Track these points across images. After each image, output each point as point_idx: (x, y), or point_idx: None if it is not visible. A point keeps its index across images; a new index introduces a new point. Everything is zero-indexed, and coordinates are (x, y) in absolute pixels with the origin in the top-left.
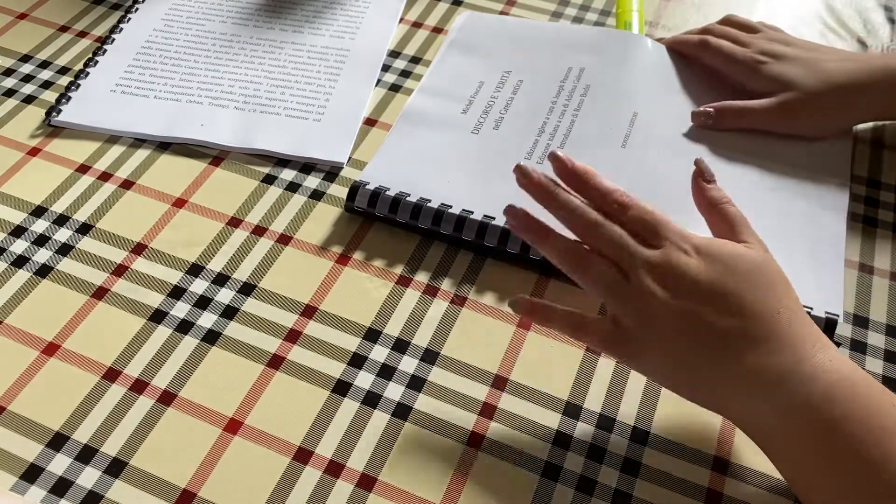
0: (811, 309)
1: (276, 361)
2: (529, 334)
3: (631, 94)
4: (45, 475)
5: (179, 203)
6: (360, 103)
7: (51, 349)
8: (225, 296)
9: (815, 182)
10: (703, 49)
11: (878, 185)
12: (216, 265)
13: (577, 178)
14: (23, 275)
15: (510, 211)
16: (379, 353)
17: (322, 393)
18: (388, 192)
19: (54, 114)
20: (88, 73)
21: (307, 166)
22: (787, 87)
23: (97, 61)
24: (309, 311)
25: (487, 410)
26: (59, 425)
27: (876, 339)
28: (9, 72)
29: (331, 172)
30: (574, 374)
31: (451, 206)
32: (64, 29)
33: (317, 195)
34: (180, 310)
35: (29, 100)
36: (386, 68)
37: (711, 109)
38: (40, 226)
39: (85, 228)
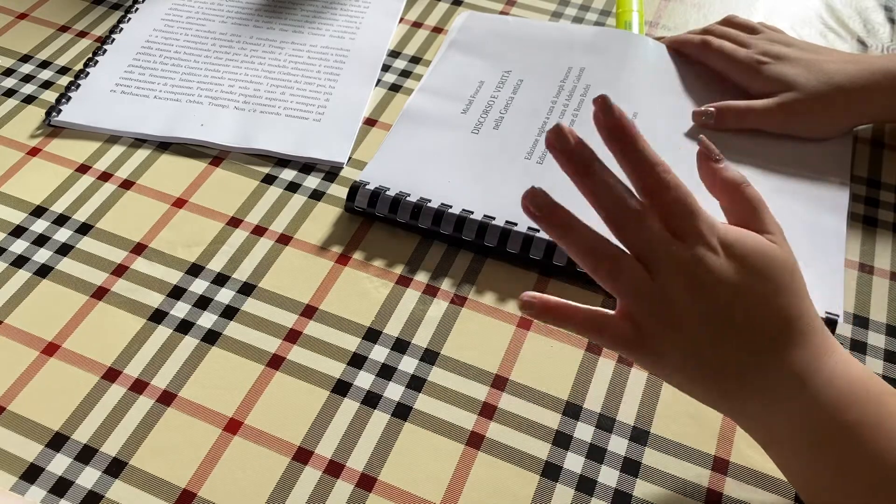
0: None
1: (276, 361)
2: (529, 334)
3: (631, 94)
4: (45, 475)
5: (179, 203)
6: (360, 103)
7: (51, 349)
8: (225, 296)
9: (815, 182)
10: (703, 49)
11: (878, 185)
12: (216, 265)
13: (622, 134)
14: (23, 275)
15: (532, 194)
16: (379, 353)
17: (322, 393)
18: (388, 192)
19: (54, 114)
20: (88, 73)
21: (307, 166)
22: (787, 87)
23: (97, 61)
24: (309, 311)
25: (487, 410)
26: (59, 425)
27: (876, 339)
28: (9, 72)
29: (331, 172)
30: (574, 374)
31: (451, 206)
32: (64, 29)
33: (317, 195)
34: (180, 310)
35: (29, 100)
36: (386, 68)
37: (712, 109)
38: (40, 226)
39: (85, 228)
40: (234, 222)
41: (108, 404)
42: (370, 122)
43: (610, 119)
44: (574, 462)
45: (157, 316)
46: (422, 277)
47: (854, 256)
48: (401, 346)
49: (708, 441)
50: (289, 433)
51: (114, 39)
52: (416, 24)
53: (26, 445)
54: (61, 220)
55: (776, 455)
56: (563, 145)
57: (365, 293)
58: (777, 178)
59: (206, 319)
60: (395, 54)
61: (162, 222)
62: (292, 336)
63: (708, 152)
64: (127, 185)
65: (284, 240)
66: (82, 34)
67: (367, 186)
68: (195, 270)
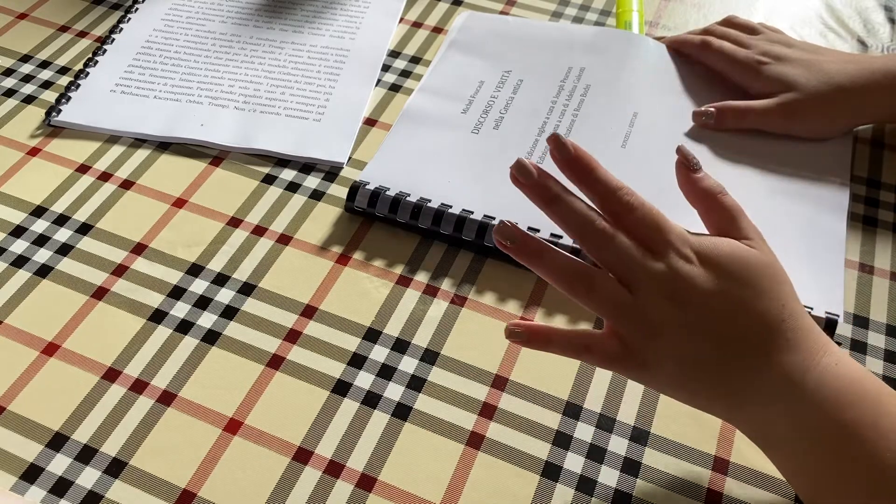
0: (811, 309)
1: (276, 361)
2: None
3: (631, 94)
4: (45, 475)
5: (179, 203)
6: (360, 103)
7: (51, 349)
8: (225, 296)
9: (815, 182)
10: (703, 50)
11: (878, 185)
12: (216, 265)
13: (579, 167)
14: (23, 275)
15: (502, 227)
16: (379, 353)
17: (322, 393)
18: (388, 192)
19: (54, 114)
20: (88, 73)
21: (307, 166)
22: (788, 87)
23: (97, 61)
24: (309, 311)
25: (487, 410)
26: (59, 425)
27: (876, 339)
28: (9, 72)
29: (331, 172)
30: (574, 374)
31: (451, 206)
32: (64, 29)
33: (317, 195)
34: (180, 310)
35: (29, 100)
36: (386, 68)
37: (712, 109)
38: (40, 226)
39: (85, 228)
40: (234, 222)
41: (108, 404)
42: (370, 122)
43: (565, 154)
44: (574, 462)
45: (157, 316)
46: (422, 277)
47: (854, 256)
48: (401, 346)
49: (708, 441)
50: (289, 433)
51: (114, 39)
52: (416, 24)
53: (26, 445)
54: (61, 220)
55: (774, 456)
56: (527, 179)
57: (365, 293)
58: (777, 178)
59: (206, 319)
60: (395, 54)
61: (162, 222)
62: (292, 336)
63: (686, 161)
64: (127, 185)
65: (284, 240)
66: (82, 34)
67: (367, 186)
68: (195, 270)
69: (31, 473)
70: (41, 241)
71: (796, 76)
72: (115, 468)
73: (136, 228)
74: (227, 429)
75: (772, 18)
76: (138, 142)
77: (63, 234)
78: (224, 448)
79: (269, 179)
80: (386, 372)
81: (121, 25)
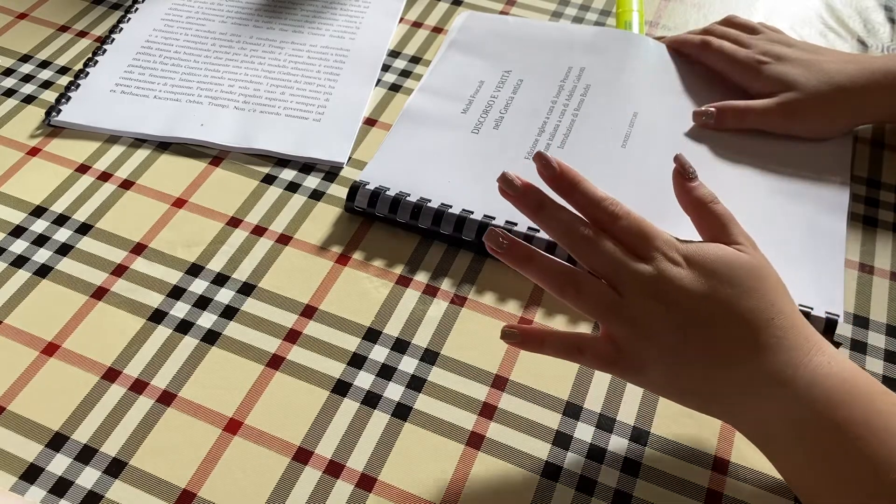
0: (811, 309)
1: (276, 361)
2: None
3: (631, 94)
4: (45, 475)
5: (179, 203)
6: (360, 103)
7: (51, 349)
8: (225, 296)
9: (815, 182)
10: (704, 49)
11: (878, 185)
12: (216, 265)
13: (564, 182)
14: (23, 275)
15: (492, 233)
16: (379, 353)
17: (322, 393)
18: (388, 192)
19: (54, 114)
20: (88, 73)
21: (307, 166)
22: (788, 87)
23: (97, 61)
24: (309, 311)
25: (487, 410)
26: (58, 425)
27: (876, 339)
28: (9, 72)
29: (331, 172)
30: (574, 374)
31: (451, 206)
32: (64, 29)
33: (317, 195)
34: (180, 310)
35: (29, 100)
36: (386, 68)
37: (713, 109)
38: (40, 226)
39: (85, 228)
40: (234, 222)
41: (108, 404)
42: (370, 122)
43: (551, 172)
44: (574, 462)
45: (157, 316)
46: (422, 277)
47: (854, 256)
48: (401, 346)
49: (708, 441)
50: (289, 433)
51: (114, 39)
52: (416, 24)
53: (26, 445)
54: (61, 220)
55: (770, 455)
56: (513, 191)
57: (365, 293)
58: (777, 178)
59: (206, 319)
60: (395, 54)
61: (162, 222)
62: (292, 336)
63: (683, 170)
64: (127, 185)
65: (284, 240)
66: (82, 34)
67: (367, 186)
68: (195, 270)
69: (31, 473)
70: (41, 241)
71: (796, 76)
72: (115, 468)
73: (136, 228)
74: (227, 429)
75: (772, 18)
76: (138, 142)
77: (63, 234)
78: (224, 448)
79: (268, 179)
80: (386, 372)
81: (121, 25)
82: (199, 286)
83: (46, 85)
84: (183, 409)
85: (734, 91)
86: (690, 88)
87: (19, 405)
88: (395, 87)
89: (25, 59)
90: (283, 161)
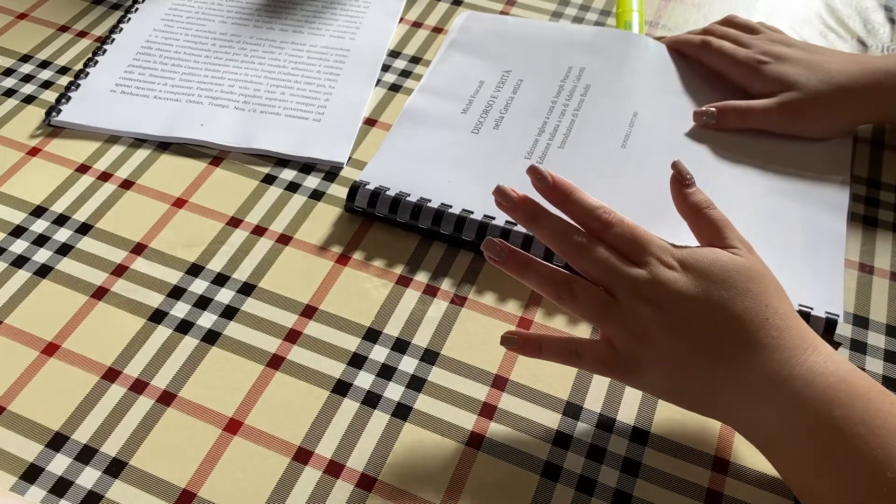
0: (811, 309)
1: (276, 361)
2: None
3: (631, 94)
4: (45, 475)
5: (179, 203)
6: (360, 103)
7: (51, 349)
8: (225, 296)
9: (815, 182)
10: (704, 49)
11: (878, 185)
12: (216, 265)
13: (557, 193)
14: (23, 275)
15: (490, 244)
16: (379, 353)
17: (322, 393)
18: (388, 192)
19: (54, 114)
20: (88, 73)
21: (307, 166)
22: (788, 87)
23: (97, 61)
24: (309, 311)
25: (487, 410)
26: (58, 425)
27: (876, 339)
28: (9, 72)
29: (331, 172)
30: (574, 374)
31: (451, 206)
32: (64, 29)
33: (317, 195)
34: (180, 310)
35: (29, 100)
36: (386, 68)
37: (713, 109)
38: (40, 226)
39: (85, 228)
40: (234, 222)
41: (108, 404)
42: (370, 122)
43: (545, 183)
44: (574, 462)
45: (157, 316)
46: (422, 277)
47: (854, 256)
48: (401, 346)
49: (708, 441)
50: (289, 433)
51: (114, 39)
52: (416, 24)
53: (26, 445)
54: (61, 220)
55: (769, 455)
56: (508, 202)
57: (365, 293)
58: (777, 177)
59: (206, 319)
60: (395, 54)
61: (162, 222)
62: (292, 336)
63: (680, 176)
64: (127, 185)
65: (284, 240)
66: (82, 34)
67: (367, 186)
68: (195, 270)
69: (31, 473)
70: (41, 241)
71: (797, 76)
72: (115, 468)
73: (136, 228)
74: (227, 429)
75: (772, 18)
76: (138, 142)
77: (63, 234)
78: (224, 448)
79: (269, 179)
80: (386, 372)
81: (121, 25)
82: (199, 286)
83: (46, 85)
84: (183, 409)
85: (734, 91)
86: (690, 88)
87: (19, 405)
88: (395, 88)
89: (25, 59)
90: (283, 161)
